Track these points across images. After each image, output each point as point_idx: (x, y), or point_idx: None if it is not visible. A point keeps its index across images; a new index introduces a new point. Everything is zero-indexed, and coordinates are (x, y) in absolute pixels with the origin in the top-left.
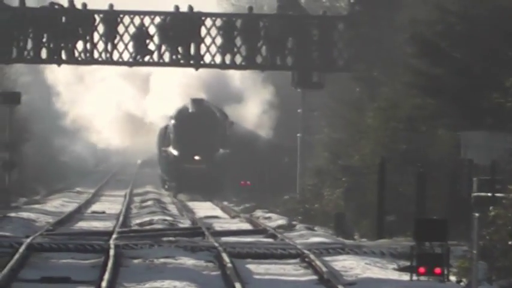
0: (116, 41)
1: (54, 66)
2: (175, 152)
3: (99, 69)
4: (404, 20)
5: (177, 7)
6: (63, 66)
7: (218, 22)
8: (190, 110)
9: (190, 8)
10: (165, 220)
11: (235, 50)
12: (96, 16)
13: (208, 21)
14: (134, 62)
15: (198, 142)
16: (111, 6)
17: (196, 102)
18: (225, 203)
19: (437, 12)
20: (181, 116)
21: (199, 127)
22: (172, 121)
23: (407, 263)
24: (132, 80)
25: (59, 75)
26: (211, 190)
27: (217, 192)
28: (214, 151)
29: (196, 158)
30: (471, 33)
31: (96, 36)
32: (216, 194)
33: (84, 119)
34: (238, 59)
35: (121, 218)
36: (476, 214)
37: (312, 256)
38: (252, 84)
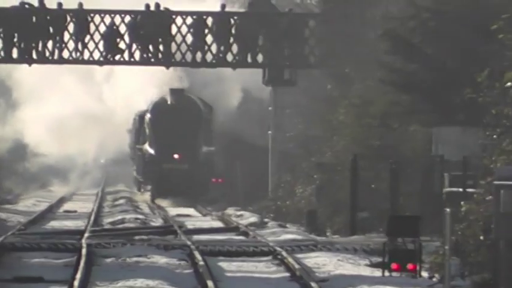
0: (86, 40)
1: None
2: (151, 151)
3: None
4: (377, 16)
5: (147, 6)
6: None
7: (188, 20)
8: (169, 102)
9: (157, 5)
10: (137, 219)
11: (206, 48)
12: (67, 15)
13: (179, 20)
14: (105, 61)
15: (178, 139)
16: (80, 4)
17: (175, 92)
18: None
19: (409, 8)
20: (159, 108)
21: (179, 121)
22: (148, 115)
23: (380, 259)
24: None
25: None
26: (195, 194)
27: (203, 196)
28: (198, 149)
29: (176, 156)
30: (443, 29)
31: (66, 36)
32: (201, 199)
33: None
34: (209, 57)
35: (93, 217)
36: (448, 209)
37: (284, 253)
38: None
